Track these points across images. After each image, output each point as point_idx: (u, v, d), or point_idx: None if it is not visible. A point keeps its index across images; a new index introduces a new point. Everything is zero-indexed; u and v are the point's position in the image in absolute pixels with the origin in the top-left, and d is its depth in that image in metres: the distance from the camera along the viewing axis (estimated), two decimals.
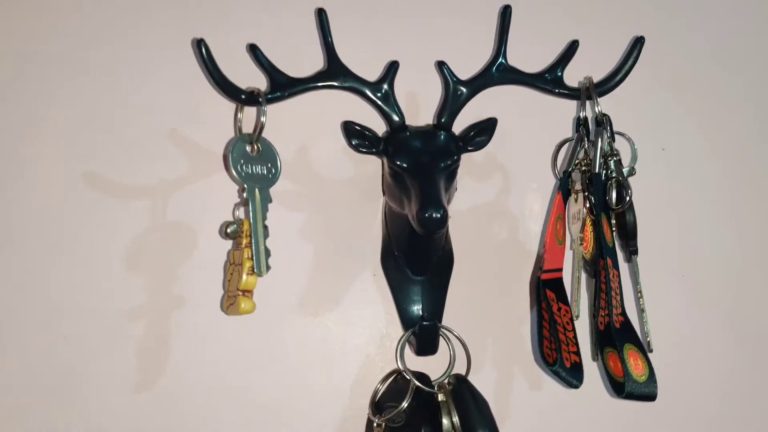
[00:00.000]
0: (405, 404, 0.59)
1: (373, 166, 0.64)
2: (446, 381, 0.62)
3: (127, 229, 0.62)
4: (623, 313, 0.56)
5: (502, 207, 0.67)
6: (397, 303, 0.64)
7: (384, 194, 0.63)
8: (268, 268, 0.56)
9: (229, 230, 0.56)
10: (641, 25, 0.66)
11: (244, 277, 0.55)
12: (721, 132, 0.70)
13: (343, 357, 0.64)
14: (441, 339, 0.63)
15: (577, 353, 0.55)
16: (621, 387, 0.53)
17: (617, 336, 0.54)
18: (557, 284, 0.57)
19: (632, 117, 0.66)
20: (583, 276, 0.62)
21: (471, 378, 0.63)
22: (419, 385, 0.60)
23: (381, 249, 0.64)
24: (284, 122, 0.62)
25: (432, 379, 0.62)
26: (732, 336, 0.69)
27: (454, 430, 0.59)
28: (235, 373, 0.63)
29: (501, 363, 0.66)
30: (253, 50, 0.58)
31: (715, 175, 0.70)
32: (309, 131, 0.65)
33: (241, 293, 0.55)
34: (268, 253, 0.56)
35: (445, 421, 0.59)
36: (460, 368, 0.63)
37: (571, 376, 0.53)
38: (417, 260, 0.62)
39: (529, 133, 0.67)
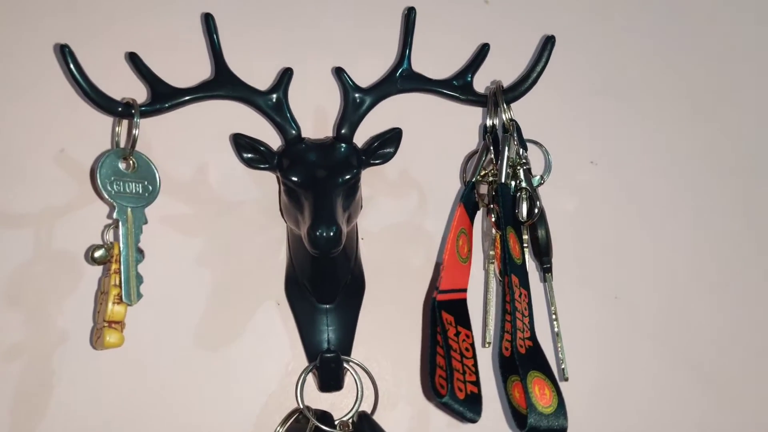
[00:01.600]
0: None
1: (277, 184, 0.60)
2: (350, 420, 0.57)
3: (7, 259, 0.58)
4: (532, 338, 0.51)
5: (419, 227, 0.63)
6: (302, 334, 0.59)
7: (282, 215, 0.58)
8: (139, 296, 0.51)
9: (95, 255, 0.52)
10: (565, 26, 0.63)
11: (110, 306, 0.50)
12: (655, 142, 0.66)
13: (243, 396, 0.59)
14: (348, 374, 0.59)
15: (476, 383, 0.49)
16: (524, 420, 0.47)
17: (521, 362, 0.48)
18: (458, 306, 0.52)
19: (553, 127, 0.62)
20: (497, 299, 0.57)
21: (383, 416, 0.58)
22: (317, 424, 0.55)
23: (285, 276, 0.60)
24: (175, 137, 0.59)
25: (336, 418, 0.57)
26: (668, 361, 0.63)
27: None
28: (124, 417, 0.58)
29: (416, 399, 0.60)
30: (132, 59, 0.55)
31: (651, 190, 0.66)
32: (205, 146, 0.61)
33: (107, 324, 0.50)
34: (139, 280, 0.51)
35: None
36: (369, 405, 0.59)
37: (467, 409, 0.47)
38: (322, 287, 0.58)
39: (444, 145, 0.63)
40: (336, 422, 0.56)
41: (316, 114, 0.60)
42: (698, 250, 0.65)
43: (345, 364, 0.58)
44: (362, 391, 0.58)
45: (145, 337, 0.58)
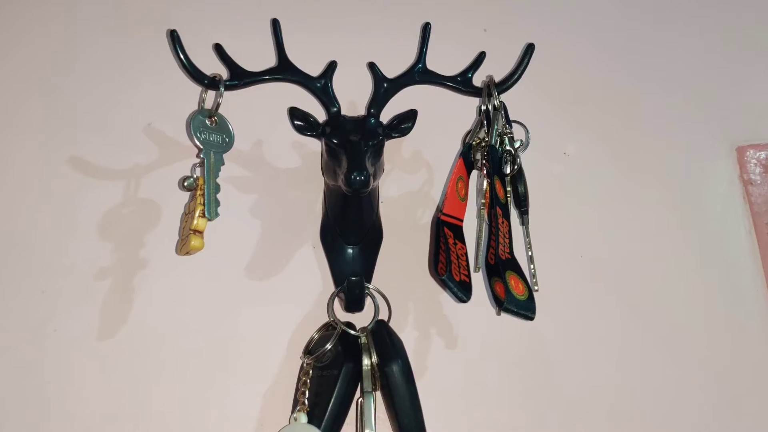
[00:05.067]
0: (329, 345, 0.67)
1: (316, 155, 0.76)
2: (370, 327, 0.69)
3: (102, 204, 0.73)
4: (511, 253, 0.66)
5: (426, 194, 0.78)
6: (332, 267, 0.73)
7: (323, 174, 0.73)
8: (217, 214, 0.66)
9: (186, 183, 0.67)
10: (545, 34, 0.80)
11: (196, 219, 0.65)
12: (618, 136, 0.83)
13: (284, 313, 0.72)
14: (368, 299, 0.71)
15: (468, 276, 0.65)
16: (501, 302, 0.62)
17: (502, 265, 0.64)
18: (456, 229, 0.67)
19: (535, 122, 0.78)
20: (485, 238, 0.72)
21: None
22: (344, 328, 0.68)
23: (320, 224, 0.74)
24: (242, 114, 0.73)
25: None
26: (620, 310, 0.76)
27: (373, 367, 0.66)
28: (190, 321, 0.71)
29: (420, 324, 0.73)
30: (218, 49, 0.71)
31: (613, 177, 0.82)
32: (264, 123, 0.77)
33: (192, 233, 0.65)
34: (218, 203, 0.66)
35: (366, 360, 0.66)
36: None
37: (459, 290, 0.62)
38: (350, 230, 0.72)
39: (447, 132, 0.78)
40: (358, 329, 0.70)
41: (352, 97, 0.76)
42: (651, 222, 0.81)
43: (366, 291, 0.71)
44: (379, 310, 0.71)
45: (208, 265, 0.71)
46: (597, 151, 0.82)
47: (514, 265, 0.65)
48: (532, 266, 0.69)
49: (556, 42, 0.84)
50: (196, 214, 0.65)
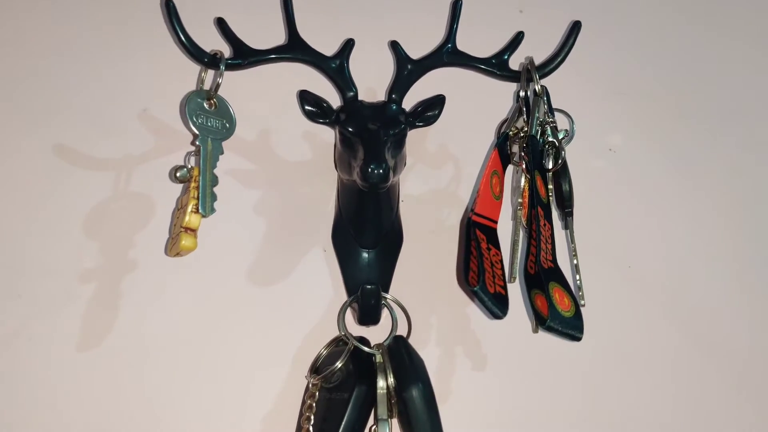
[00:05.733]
0: (339, 364, 0.59)
1: (329, 146, 0.68)
2: (386, 343, 0.62)
3: (89, 197, 0.65)
4: (554, 261, 0.57)
5: (453, 193, 0.70)
6: (344, 273, 0.65)
7: (336, 167, 0.65)
8: (212, 210, 0.58)
9: (178, 174, 0.58)
10: (589, 13, 0.71)
11: (188, 215, 0.57)
12: (672, 133, 0.74)
13: (288, 325, 0.65)
14: (385, 311, 0.64)
15: (503, 288, 0.56)
16: (544, 320, 0.53)
17: (545, 275, 0.55)
18: (489, 231, 0.58)
19: (576, 112, 0.69)
20: (523, 243, 0.63)
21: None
22: (356, 344, 0.60)
23: (332, 225, 0.67)
24: (246, 97, 0.65)
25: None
26: (674, 329, 0.70)
27: (389, 391, 0.58)
28: (182, 332, 0.64)
29: (445, 341, 0.66)
30: (220, 23, 0.63)
31: (664, 176, 0.73)
32: (271, 108, 0.69)
33: (183, 230, 0.57)
34: (214, 197, 0.58)
35: (381, 382, 0.58)
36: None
37: (494, 304, 0.53)
38: (366, 231, 0.64)
39: (477, 123, 0.70)
40: (372, 345, 0.61)
41: (371, 81, 0.68)
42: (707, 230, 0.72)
43: (382, 301, 0.63)
44: (397, 324, 0.63)
45: (207, 272, 0.64)
46: (646, 147, 0.74)
47: (557, 276, 0.56)
48: (578, 277, 0.60)
49: (601, 22, 0.75)
50: (189, 209, 0.57)
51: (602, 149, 0.73)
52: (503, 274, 0.56)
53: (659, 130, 0.75)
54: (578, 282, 0.60)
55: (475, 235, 0.56)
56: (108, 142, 0.67)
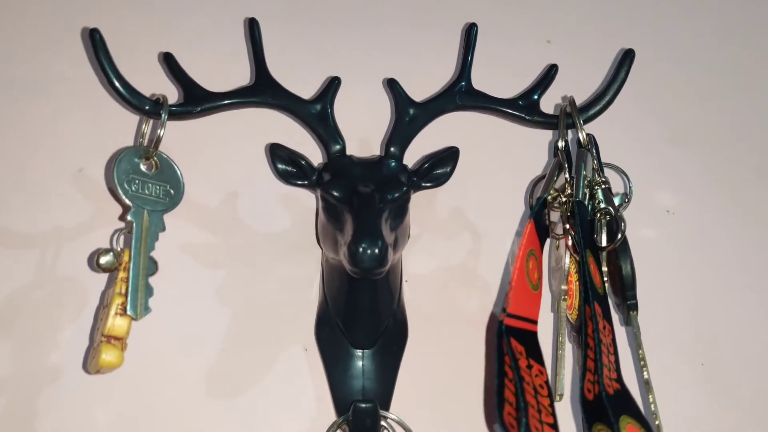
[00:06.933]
0: None
1: (312, 212, 0.58)
2: None
3: (4, 282, 0.55)
4: (619, 379, 0.42)
5: (472, 271, 0.58)
6: (332, 384, 0.53)
7: (318, 241, 0.54)
8: (146, 309, 0.45)
9: (102, 260, 0.46)
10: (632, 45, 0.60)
11: (111, 318, 0.44)
12: (744, 188, 0.63)
13: None
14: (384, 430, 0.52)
15: (554, 426, 0.40)
16: None
17: (611, 405, 0.40)
18: (528, 337, 0.43)
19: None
20: (569, 345, 0.49)
21: None
22: None
23: (316, 317, 0.55)
24: (203, 148, 0.57)
25: None
26: None
27: None
28: None
29: None
30: (167, 59, 0.53)
31: (742, 243, 0.61)
32: (235, 162, 0.59)
33: (105, 339, 0.44)
34: (149, 291, 0.46)
35: None
36: None
37: None
38: (360, 328, 0.53)
39: (503, 178, 0.60)
40: None
41: (362, 130, 0.58)
42: None
43: (381, 421, 0.51)
44: None
45: (151, 383, 0.53)
46: (712, 207, 0.62)
47: (627, 404, 0.41)
48: (651, 398, 0.44)
49: (648, 57, 0.64)
50: (112, 311, 0.44)
51: (657, 212, 0.61)
52: (551, 404, 0.41)
53: (728, 185, 0.63)
54: (652, 405, 0.45)
55: (511, 348, 0.41)
56: (32, 209, 0.56)
